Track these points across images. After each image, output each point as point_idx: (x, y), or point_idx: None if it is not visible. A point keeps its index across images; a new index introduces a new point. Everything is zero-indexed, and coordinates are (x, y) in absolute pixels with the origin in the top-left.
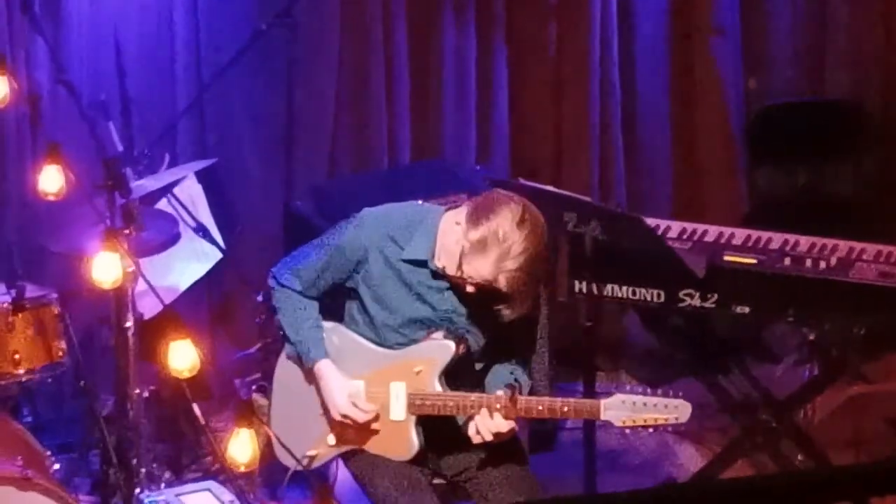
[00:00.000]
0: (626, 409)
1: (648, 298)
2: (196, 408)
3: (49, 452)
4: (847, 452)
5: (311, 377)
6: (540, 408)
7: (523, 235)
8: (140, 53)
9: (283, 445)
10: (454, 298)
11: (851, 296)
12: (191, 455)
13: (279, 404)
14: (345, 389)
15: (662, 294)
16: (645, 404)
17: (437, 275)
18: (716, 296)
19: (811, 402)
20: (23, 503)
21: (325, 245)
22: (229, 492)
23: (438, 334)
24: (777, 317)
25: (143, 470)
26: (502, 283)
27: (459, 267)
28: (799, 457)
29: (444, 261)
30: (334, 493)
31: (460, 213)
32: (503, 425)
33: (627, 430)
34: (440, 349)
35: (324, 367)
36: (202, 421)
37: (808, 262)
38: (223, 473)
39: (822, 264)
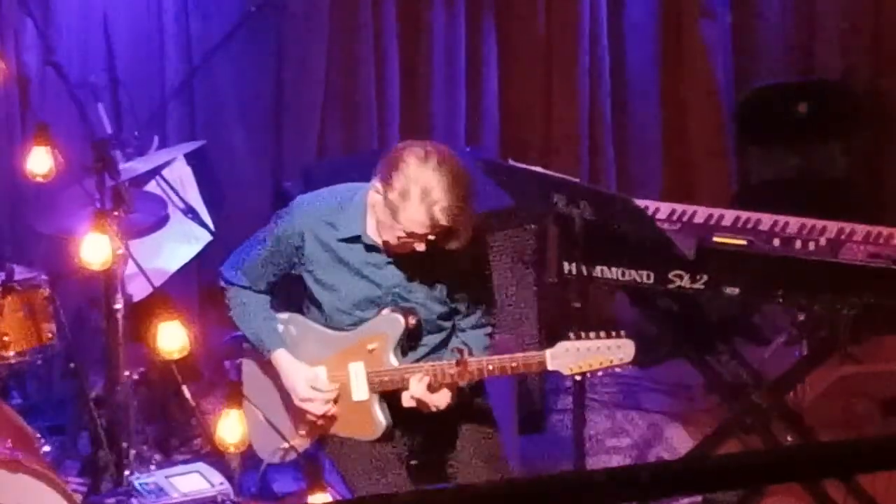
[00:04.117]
0: (570, 356)
1: (638, 279)
2: (186, 389)
3: (39, 435)
4: (837, 433)
5: (272, 371)
6: (490, 367)
7: (432, 168)
8: (129, 35)
9: (275, 427)
10: (397, 272)
11: (841, 276)
12: (180, 437)
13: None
14: (301, 375)
15: (652, 275)
16: (589, 349)
17: (373, 248)
18: (705, 277)
19: (801, 382)
20: (12, 485)
21: (264, 237)
22: (219, 473)
23: (387, 310)
24: (767, 298)
25: (133, 452)
26: (440, 217)
27: (397, 228)
28: (789, 437)
29: (385, 233)
30: (325, 478)
31: (375, 180)
32: (438, 399)
33: (577, 377)
34: (390, 323)
35: (280, 357)
36: (192, 402)
37: (798, 244)
38: (213, 455)
39: (812, 245)
